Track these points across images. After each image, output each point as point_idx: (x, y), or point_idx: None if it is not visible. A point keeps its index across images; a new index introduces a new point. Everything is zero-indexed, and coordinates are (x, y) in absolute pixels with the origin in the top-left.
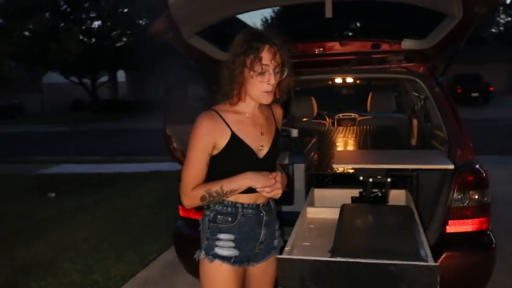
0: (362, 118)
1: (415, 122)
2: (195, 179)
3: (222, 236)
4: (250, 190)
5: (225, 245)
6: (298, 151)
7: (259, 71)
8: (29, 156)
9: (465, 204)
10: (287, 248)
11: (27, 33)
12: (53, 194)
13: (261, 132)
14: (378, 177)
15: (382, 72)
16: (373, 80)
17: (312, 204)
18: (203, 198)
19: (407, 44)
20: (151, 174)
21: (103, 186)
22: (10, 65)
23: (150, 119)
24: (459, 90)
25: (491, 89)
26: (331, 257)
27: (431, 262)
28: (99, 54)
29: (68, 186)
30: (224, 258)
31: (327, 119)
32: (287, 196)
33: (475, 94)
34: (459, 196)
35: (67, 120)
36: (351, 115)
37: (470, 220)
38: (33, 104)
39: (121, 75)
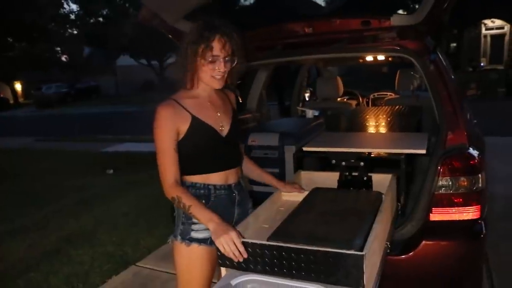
0: (389, 97)
1: None
2: (170, 171)
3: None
4: (219, 169)
5: (200, 228)
6: (289, 132)
7: (210, 59)
8: (98, 135)
9: (451, 191)
10: (239, 227)
11: (100, 19)
12: (111, 171)
13: (218, 113)
14: (352, 160)
15: (374, 50)
16: (365, 58)
17: None
18: (173, 199)
19: (397, 19)
20: None
21: (156, 165)
22: (82, 51)
23: None
24: None
25: None
26: (267, 240)
27: (357, 251)
28: (163, 35)
29: (126, 163)
30: (200, 241)
31: (361, 99)
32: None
33: None
34: (445, 182)
35: (137, 101)
36: (386, 94)
37: (456, 208)
38: (109, 86)
39: None
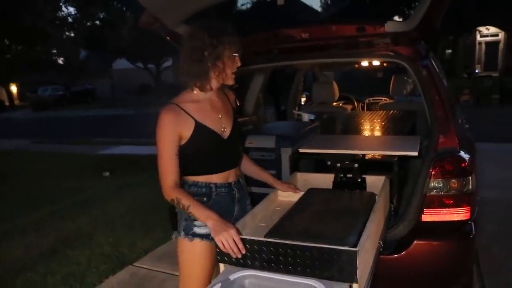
0: (384, 102)
1: None
2: (170, 174)
3: None
4: (221, 169)
5: (202, 224)
6: (285, 135)
7: (232, 58)
8: (94, 137)
9: (442, 192)
10: (237, 225)
11: (97, 22)
12: (107, 173)
13: (219, 115)
14: (346, 162)
15: (369, 55)
16: (360, 63)
17: None
18: (172, 201)
19: (390, 26)
20: None
21: (153, 167)
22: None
23: None
24: None
25: None
26: (264, 237)
27: (351, 248)
28: (161, 39)
29: (122, 166)
30: (202, 236)
31: (356, 103)
32: None
33: None
34: (436, 184)
35: (133, 104)
36: (381, 99)
37: (447, 209)
38: (105, 89)
39: None
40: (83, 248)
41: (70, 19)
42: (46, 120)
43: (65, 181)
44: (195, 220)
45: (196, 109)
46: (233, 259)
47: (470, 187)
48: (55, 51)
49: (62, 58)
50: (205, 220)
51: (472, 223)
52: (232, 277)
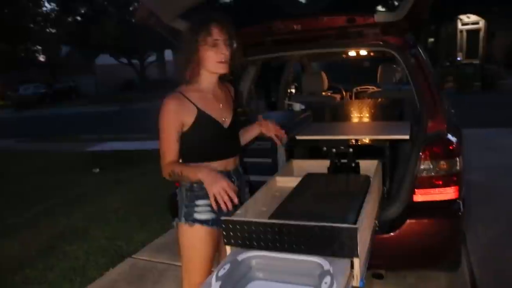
0: (373, 91)
1: None
2: (169, 154)
3: (199, 202)
4: (220, 157)
5: (203, 210)
6: (280, 123)
7: (212, 44)
8: (80, 135)
9: (432, 173)
10: (239, 211)
11: (79, 18)
12: (97, 170)
13: (221, 105)
14: (341, 147)
15: (360, 45)
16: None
17: (285, 174)
18: (169, 174)
19: (380, 16)
20: None
21: (142, 162)
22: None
23: None
24: None
25: None
26: (269, 219)
27: (350, 225)
28: (145, 34)
29: (111, 162)
30: (203, 222)
31: (344, 93)
32: (270, 167)
33: None
34: (426, 166)
35: (118, 100)
36: (368, 88)
37: (437, 189)
38: (88, 86)
39: (168, 54)
40: (80, 243)
41: (53, 15)
42: (30, 118)
43: (54, 179)
44: (196, 206)
45: (199, 98)
46: (239, 242)
47: (458, 168)
48: (36, 48)
49: (42, 55)
50: (197, 173)
51: (460, 202)
52: (240, 257)
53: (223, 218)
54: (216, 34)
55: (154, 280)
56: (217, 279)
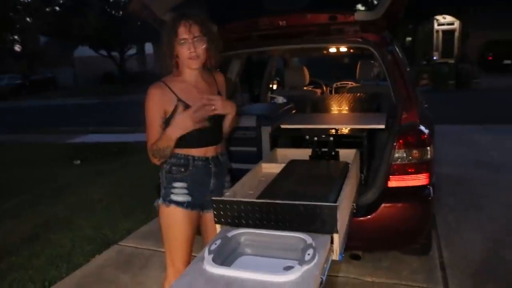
0: (352, 86)
1: None
2: (153, 137)
3: (176, 184)
4: (199, 144)
5: (179, 192)
6: (265, 114)
7: (180, 43)
8: (61, 127)
9: (405, 161)
10: (228, 193)
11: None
12: (78, 161)
13: (203, 96)
14: (323, 136)
15: (340, 41)
16: (331, 49)
17: (269, 161)
18: (152, 154)
19: (359, 15)
20: None
21: (124, 154)
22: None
23: None
24: (490, 58)
25: None
26: (256, 199)
27: (331, 203)
28: (126, 26)
29: (92, 154)
30: (178, 203)
31: (325, 88)
32: (255, 156)
33: (507, 62)
34: (400, 154)
35: (97, 93)
36: (348, 83)
37: (410, 176)
38: (66, 78)
39: (149, 47)
40: (64, 231)
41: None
42: (6, 110)
43: (36, 171)
44: (173, 188)
45: (181, 88)
46: (229, 220)
47: (429, 156)
48: (13, 37)
49: (18, 46)
50: (168, 136)
51: (431, 187)
52: (230, 234)
53: (213, 198)
54: (183, 33)
55: (140, 266)
56: (210, 252)
